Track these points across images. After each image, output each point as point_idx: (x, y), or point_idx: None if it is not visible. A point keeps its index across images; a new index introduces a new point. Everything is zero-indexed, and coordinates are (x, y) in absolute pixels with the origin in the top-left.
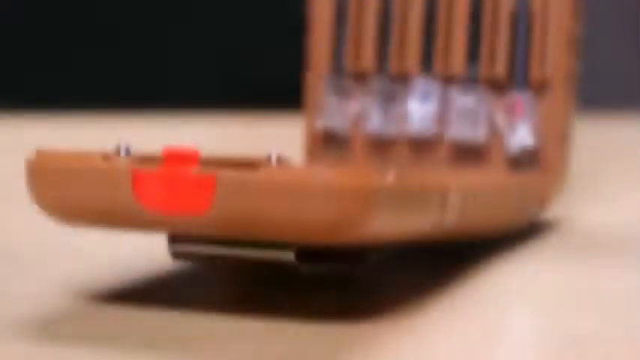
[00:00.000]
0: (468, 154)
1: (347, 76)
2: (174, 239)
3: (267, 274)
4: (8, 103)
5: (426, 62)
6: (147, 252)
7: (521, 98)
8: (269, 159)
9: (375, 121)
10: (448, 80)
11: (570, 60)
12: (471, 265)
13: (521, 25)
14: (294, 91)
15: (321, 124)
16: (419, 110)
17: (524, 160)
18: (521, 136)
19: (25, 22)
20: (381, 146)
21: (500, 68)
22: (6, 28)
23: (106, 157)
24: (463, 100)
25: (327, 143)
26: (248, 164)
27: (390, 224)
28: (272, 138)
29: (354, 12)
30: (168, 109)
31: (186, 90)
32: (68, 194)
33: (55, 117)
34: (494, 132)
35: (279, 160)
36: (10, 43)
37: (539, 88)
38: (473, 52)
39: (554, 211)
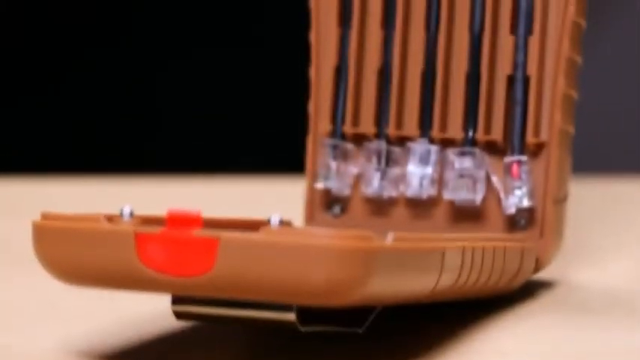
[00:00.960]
0: (466, 215)
1: (346, 140)
2: (176, 299)
3: (268, 334)
4: (13, 163)
5: (424, 126)
6: (150, 311)
7: (517, 160)
8: (270, 221)
9: (374, 184)
10: (446, 143)
11: (566, 122)
12: (467, 325)
13: (518, 89)
14: (295, 153)
15: (321, 186)
16: (417, 173)
17: (520, 221)
18: (518, 198)
19: (27, 91)
20: (380, 208)
21: (497, 132)
22: (8, 92)
23: (109, 218)
24: (460, 162)
25: (327, 205)
26: (250, 226)
27: (389, 286)
28: (273, 199)
29: (353, 78)
30: (170, 169)
31: (188, 151)
32: (73, 255)
33: (60, 177)
34: (492, 193)
35: (281, 221)
36: (13, 106)
37: (535, 151)
38: (470, 116)
39: (550, 270)
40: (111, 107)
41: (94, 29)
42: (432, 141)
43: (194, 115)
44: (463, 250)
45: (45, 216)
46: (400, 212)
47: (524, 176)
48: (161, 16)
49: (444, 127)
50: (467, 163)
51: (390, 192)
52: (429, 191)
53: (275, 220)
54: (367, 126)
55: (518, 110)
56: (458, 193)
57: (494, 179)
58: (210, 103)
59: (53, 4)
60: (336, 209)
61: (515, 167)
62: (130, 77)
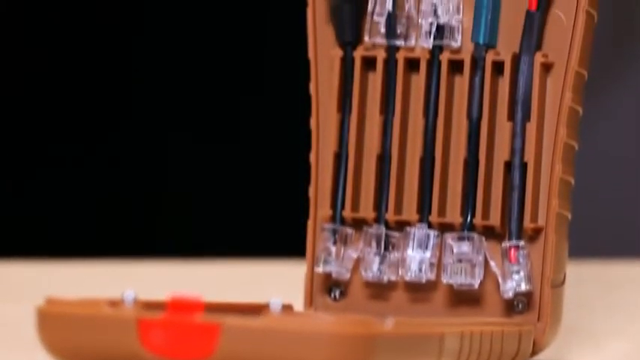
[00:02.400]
0: (464, 298)
1: (346, 224)
2: None
3: None
4: (16, 247)
5: (423, 211)
6: None
7: (515, 245)
8: (271, 305)
9: (374, 268)
10: (444, 228)
11: (563, 207)
12: None
13: (515, 175)
14: (296, 237)
15: (321, 269)
16: (416, 257)
17: (518, 305)
18: (516, 282)
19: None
20: (380, 291)
21: (495, 217)
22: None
23: (112, 303)
24: (459, 247)
25: (327, 288)
26: (251, 310)
27: None
28: (273, 282)
29: (352, 163)
30: (172, 253)
31: (189, 234)
32: (77, 341)
33: (63, 261)
34: (490, 278)
35: (281, 305)
36: (16, 189)
37: (533, 235)
38: (468, 201)
39: (548, 354)
40: (112, 191)
41: (95, 111)
42: (430, 226)
43: (195, 199)
44: (462, 335)
45: (49, 301)
46: (400, 296)
47: (521, 261)
48: (164, 106)
49: (442, 212)
50: (465, 247)
51: (389, 276)
52: (428, 275)
53: (276, 304)
54: (367, 211)
55: (515, 196)
56: (456, 277)
57: (493, 264)
58: (212, 187)
59: (54, 84)
60: (336, 293)
61: (513, 252)
62: (131, 163)
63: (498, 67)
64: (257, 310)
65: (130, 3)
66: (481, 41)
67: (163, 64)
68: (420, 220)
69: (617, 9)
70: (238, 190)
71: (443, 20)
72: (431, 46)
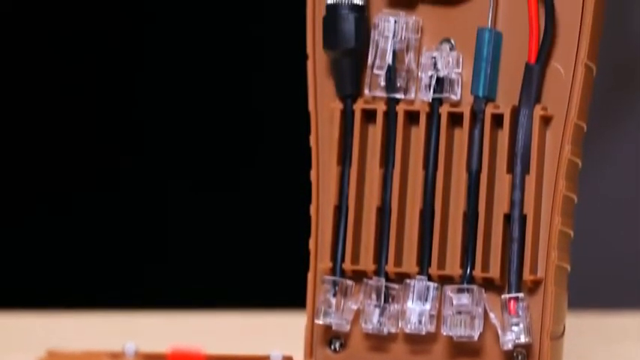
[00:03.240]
0: (464, 350)
1: (346, 276)
2: None
3: None
4: (17, 298)
5: (423, 263)
6: None
7: (514, 297)
8: (272, 357)
9: (374, 320)
10: (444, 280)
11: (562, 259)
12: None
13: (515, 227)
14: (296, 289)
15: (321, 321)
16: (416, 309)
17: (518, 357)
18: (516, 334)
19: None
20: (380, 343)
21: (495, 269)
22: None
23: (113, 355)
24: (458, 299)
25: (327, 340)
26: None
27: None
28: (273, 334)
29: (352, 216)
30: (172, 304)
31: (190, 285)
32: None
33: (64, 312)
34: (489, 329)
35: (282, 358)
36: (16, 240)
37: (532, 287)
38: (468, 253)
39: None
40: (113, 241)
41: (97, 159)
42: (430, 278)
43: (195, 249)
44: None
45: (50, 353)
46: (400, 348)
47: (521, 313)
48: (164, 154)
49: (442, 264)
50: (465, 299)
51: (389, 328)
52: (427, 327)
53: (276, 357)
54: (367, 263)
55: (515, 248)
56: (456, 329)
57: (492, 315)
58: (212, 238)
59: (54, 129)
60: (337, 345)
61: (512, 304)
62: (131, 212)
63: (498, 119)
64: None
65: (129, 52)
66: (480, 94)
67: (164, 111)
68: (420, 273)
69: (616, 56)
70: (239, 241)
71: (442, 73)
72: (431, 99)
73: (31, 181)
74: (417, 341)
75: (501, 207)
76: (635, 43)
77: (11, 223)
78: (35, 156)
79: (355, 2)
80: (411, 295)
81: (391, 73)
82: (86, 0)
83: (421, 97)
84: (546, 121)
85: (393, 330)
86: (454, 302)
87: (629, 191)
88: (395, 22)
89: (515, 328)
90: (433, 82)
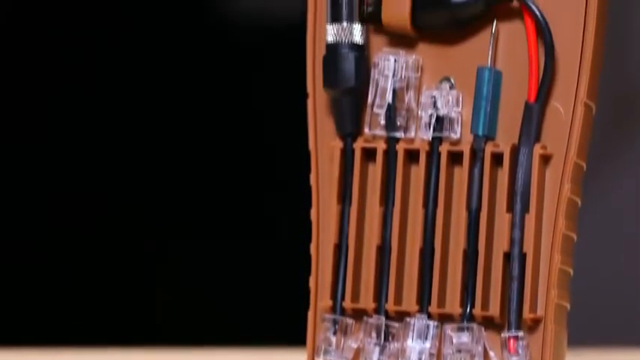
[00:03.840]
0: None
1: (346, 315)
2: None
3: None
4: (16, 336)
5: (423, 302)
6: None
7: (514, 336)
8: None
9: (374, 358)
10: (444, 319)
11: (561, 297)
12: None
13: (514, 266)
14: (296, 328)
15: (321, 359)
16: (416, 347)
17: None
18: None
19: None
20: None
21: (494, 308)
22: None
23: None
24: (458, 337)
25: None
26: None
27: None
28: None
29: (352, 254)
30: (173, 342)
31: (189, 323)
32: None
33: (64, 350)
34: None
35: None
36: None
37: (532, 326)
38: (467, 292)
39: None
40: (112, 280)
41: (102, 200)
42: (430, 316)
43: (195, 288)
44: None
45: None
46: None
47: (521, 351)
48: (163, 204)
49: (442, 302)
50: (465, 338)
51: None
52: None
53: None
54: (367, 301)
55: (514, 286)
56: None
57: (492, 354)
58: (212, 276)
59: (58, 174)
60: None
61: (512, 342)
62: (129, 251)
63: (497, 158)
64: None
65: (130, 112)
66: (480, 133)
67: (166, 161)
68: (420, 311)
69: (615, 89)
70: (239, 279)
71: (442, 112)
72: (430, 138)
73: (34, 217)
74: None
75: (501, 245)
76: (635, 75)
77: (10, 259)
78: (37, 198)
79: (355, 41)
80: (411, 333)
81: (391, 111)
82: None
83: (421, 135)
84: (546, 159)
85: None
86: (454, 341)
87: (629, 227)
88: (395, 60)
89: None
90: (433, 120)
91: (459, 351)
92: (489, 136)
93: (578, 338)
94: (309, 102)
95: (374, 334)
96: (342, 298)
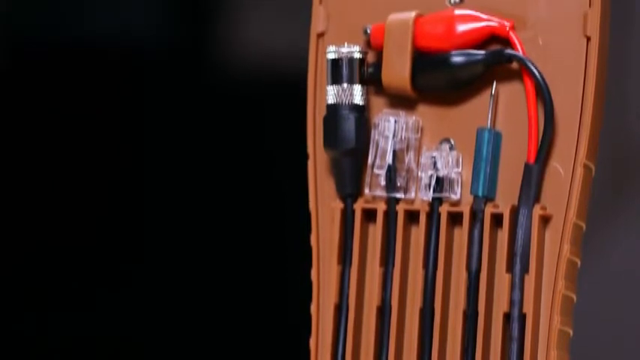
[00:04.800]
0: None
1: None
2: None
3: None
4: None
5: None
6: None
7: None
8: None
9: None
10: None
11: (562, 358)
12: None
13: (514, 326)
14: None
15: None
16: None
17: None
18: None
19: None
20: None
21: None
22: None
23: None
24: None
25: None
26: None
27: None
28: None
29: (353, 315)
30: None
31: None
32: None
33: None
34: None
35: None
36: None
37: None
38: (467, 353)
39: None
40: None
41: (98, 271)
42: None
43: (194, 343)
44: None
45: None
46: None
47: None
48: (171, 252)
49: None
50: None
51: None
52: None
53: None
54: None
55: (514, 347)
56: None
57: None
58: (213, 337)
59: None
60: None
61: None
62: (128, 318)
63: (497, 219)
64: None
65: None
66: (480, 194)
67: (170, 229)
68: None
69: (614, 149)
70: (239, 340)
71: (442, 173)
72: (430, 199)
73: (36, 294)
74: None
75: (501, 306)
76: (634, 134)
77: (11, 333)
78: (39, 274)
79: (356, 102)
80: None
81: (391, 172)
82: None
83: (421, 196)
84: (545, 220)
85: None
86: None
87: (630, 287)
88: (395, 121)
89: None
90: (433, 181)
91: None
92: (489, 197)
93: None
94: (310, 163)
95: None
96: (343, 359)
